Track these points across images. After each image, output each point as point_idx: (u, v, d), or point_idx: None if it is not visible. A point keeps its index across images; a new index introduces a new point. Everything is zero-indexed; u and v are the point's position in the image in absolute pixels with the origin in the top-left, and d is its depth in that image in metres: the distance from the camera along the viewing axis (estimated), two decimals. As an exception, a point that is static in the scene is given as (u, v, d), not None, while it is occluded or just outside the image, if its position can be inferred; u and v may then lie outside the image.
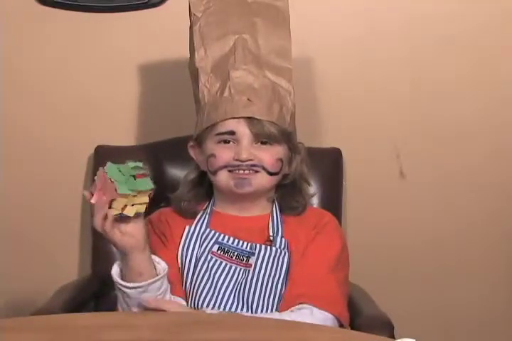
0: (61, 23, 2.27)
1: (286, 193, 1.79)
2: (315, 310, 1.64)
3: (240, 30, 1.78)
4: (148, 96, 2.30)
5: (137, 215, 1.54)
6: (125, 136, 2.29)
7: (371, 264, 2.26)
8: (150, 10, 2.26)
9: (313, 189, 2.00)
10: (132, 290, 1.57)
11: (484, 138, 2.31)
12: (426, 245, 2.33)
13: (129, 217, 1.53)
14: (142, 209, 1.53)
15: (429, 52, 2.28)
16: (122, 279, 1.59)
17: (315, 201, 2.10)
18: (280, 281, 1.69)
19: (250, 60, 1.75)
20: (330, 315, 1.65)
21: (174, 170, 2.11)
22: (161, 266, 1.61)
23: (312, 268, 1.69)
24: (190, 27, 1.81)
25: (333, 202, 2.15)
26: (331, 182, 2.18)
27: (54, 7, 2.26)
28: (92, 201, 1.54)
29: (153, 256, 1.61)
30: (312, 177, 2.07)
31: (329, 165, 2.19)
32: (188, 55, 1.83)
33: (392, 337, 1.62)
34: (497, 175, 2.32)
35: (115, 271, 1.61)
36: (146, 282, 1.57)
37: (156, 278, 1.58)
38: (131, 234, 1.56)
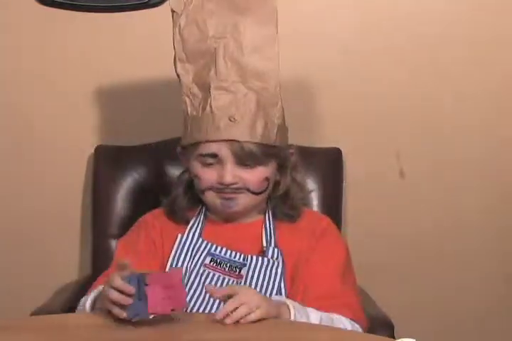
0: (61, 23, 2.27)
1: (280, 202, 1.75)
2: (343, 318, 1.61)
3: (222, 33, 1.67)
4: (149, 96, 2.30)
5: None
6: (125, 136, 2.29)
7: (371, 264, 2.25)
8: (150, 10, 2.26)
9: (312, 187, 2.00)
10: None
11: (485, 139, 2.31)
12: (426, 245, 2.33)
13: None
14: None
15: (429, 52, 2.28)
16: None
17: (315, 201, 2.10)
18: (274, 291, 1.64)
19: (232, 69, 1.66)
20: (355, 323, 1.62)
21: (174, 170, 2.10)
22: None
23: (326, 280, 1.65)
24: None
25: (333, 202, 2.16)
26: (331, 182, 2.18)
27: (54, 7, 2.26)
28: None
29: None
30: (312, 177, 2.09)
31: (329, 165, 2.19)
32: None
33: (392, 337, 1.62)
34: (497, 175, 2.32)
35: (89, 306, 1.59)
36: None
37: None
38: None
